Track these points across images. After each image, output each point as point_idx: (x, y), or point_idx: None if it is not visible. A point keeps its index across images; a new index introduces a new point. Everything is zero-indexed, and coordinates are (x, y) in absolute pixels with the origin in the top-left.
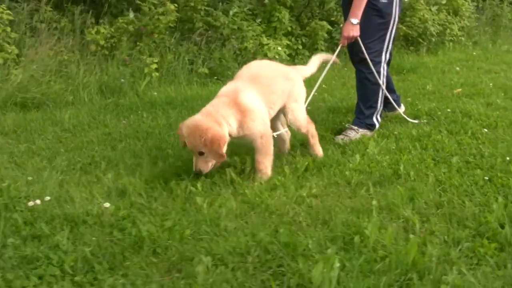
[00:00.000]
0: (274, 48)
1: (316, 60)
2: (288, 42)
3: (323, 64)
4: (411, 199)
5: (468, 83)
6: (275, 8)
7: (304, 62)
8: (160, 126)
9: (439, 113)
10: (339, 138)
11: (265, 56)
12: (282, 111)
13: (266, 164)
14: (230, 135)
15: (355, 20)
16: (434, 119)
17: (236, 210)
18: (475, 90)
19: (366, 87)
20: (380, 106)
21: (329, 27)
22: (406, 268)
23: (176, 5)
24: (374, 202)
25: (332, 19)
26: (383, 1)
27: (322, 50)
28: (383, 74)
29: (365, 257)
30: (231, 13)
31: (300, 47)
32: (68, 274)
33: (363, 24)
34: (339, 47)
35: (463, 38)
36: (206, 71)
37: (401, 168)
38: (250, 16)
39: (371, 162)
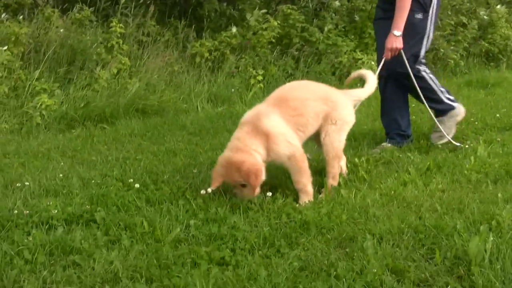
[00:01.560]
0: (367, 62)
1: (370, 79)
2: None
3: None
4: None
5: None
6: (366, 24)
7: None
8: None
9: None
10: (435, 138)
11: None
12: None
13: (304, 182)
14: (263, 161)
15: (397, 32)
16: None
17: (379, 201)
18: None
19: (428, 80)
20: (439, 87)
21: None
22: None
23: (278, 22)
24: (500, 195)
25: None
26: (418, 16)
27: None
28: (425, 73)
29: (508, 235)
30: (326, 29)
31: None
32: (254, 248)
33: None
34: (383, 60)
35: None
36: None
37: None
38: (342, 32)
39: (483, 164)
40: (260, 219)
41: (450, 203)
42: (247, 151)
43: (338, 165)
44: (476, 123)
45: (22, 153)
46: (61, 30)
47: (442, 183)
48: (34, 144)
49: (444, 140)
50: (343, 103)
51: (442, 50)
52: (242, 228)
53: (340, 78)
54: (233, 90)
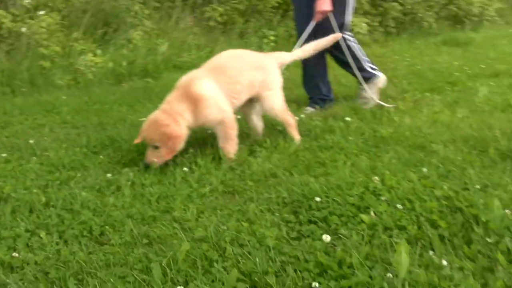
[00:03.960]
0: (357, 25)
1: (305, 48)
2: (367, 20)
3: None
4: None
5: None
6: None
7: (377, 36)
8: None
9: None
10: (362, 103)
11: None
12: (257, 100)
13: (228, 149)
14: (188, 127)
15: None
16: None
17: (425, 123)
18: None
19: (353, 48)
20: (363, 56)
21: (400, 7)
22: None
23: None
24: None
25: (400, 1)
26: None
27: (392, 27)
28: (350, 42)
29: None
30: None
31: (376, 24)
32: (358, 152)
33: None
34: (313, 23)
35: (497, 18)
36: None
37: None
38: None
39: (489, 99)
40: (348, 137)
41: (479, 123)
42: (173, 116)
43: (290, 115)
44: (469, 71)
45: (101, 101)
46: None
47: (464, 112)
48: (101, 95)
49: (370, 105)
50: (272, 68)
51: (420, 15)
52: (342, 141)
53: None
54: (253, 48)
